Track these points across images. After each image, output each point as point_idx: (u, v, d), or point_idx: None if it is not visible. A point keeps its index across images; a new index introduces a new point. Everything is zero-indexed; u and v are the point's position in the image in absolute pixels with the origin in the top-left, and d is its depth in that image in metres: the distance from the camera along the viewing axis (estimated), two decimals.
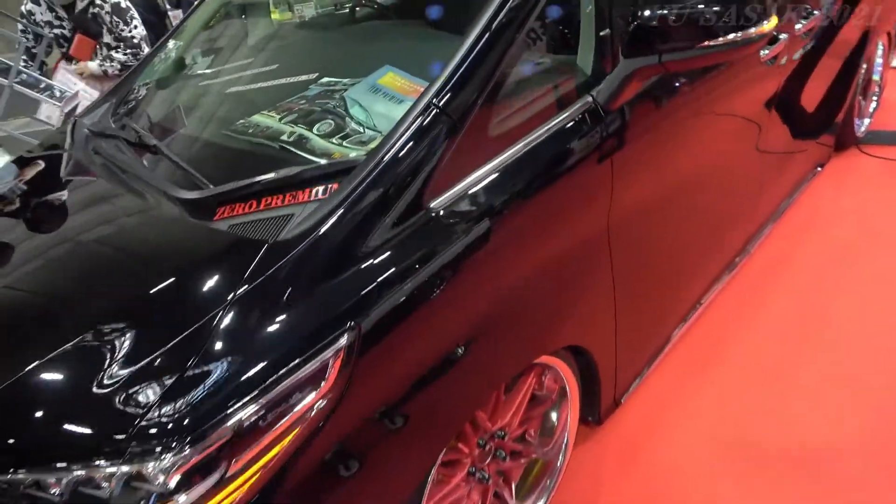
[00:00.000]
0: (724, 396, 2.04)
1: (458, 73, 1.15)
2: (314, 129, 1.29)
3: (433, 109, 1.12)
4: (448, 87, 1.13)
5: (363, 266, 1.03)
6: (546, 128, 1.30)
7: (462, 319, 1.17)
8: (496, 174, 1.21)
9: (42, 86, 2.56)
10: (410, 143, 1.09)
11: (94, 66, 3.10)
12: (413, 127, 1.10)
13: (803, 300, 2.42)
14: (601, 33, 1.38)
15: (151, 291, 1.07)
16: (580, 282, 1.49)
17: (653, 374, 2.03)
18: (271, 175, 1.17)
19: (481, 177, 1.18)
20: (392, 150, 1.08)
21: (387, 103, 1.31)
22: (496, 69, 1.19)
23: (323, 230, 1.03)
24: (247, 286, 0.99)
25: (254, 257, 1.02)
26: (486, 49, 1.18)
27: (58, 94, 2.55)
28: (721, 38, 1.31)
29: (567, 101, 1.36)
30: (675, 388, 2.08)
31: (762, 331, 2.29)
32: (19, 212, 1.60)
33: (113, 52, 3.09)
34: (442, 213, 1.12)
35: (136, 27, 3.13)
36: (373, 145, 1.19)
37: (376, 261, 1.04)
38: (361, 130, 1.26)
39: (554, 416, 1.67)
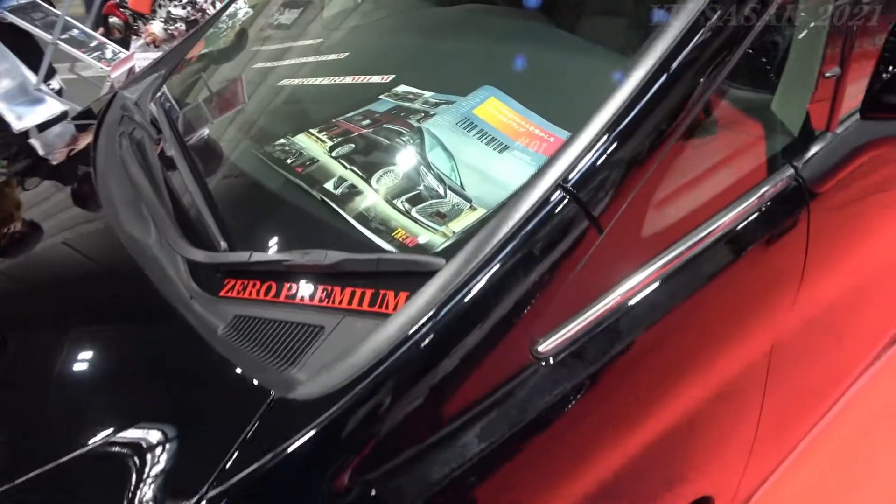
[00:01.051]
0: None
1: (611, 138, 0.70)
2: (372, 181, 0.88)
3: (561, 195, 0.68)
4: (592, 160, 0.69)
5: (424, 460, 0.63)
6: (717, 223, 0.83)
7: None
8: (640, 296, 0.76)
9: (93, 44, 2.26)
10: (518, 248, 0.66)
11: (158, 29, 2.78)
12: (525, 220, 0.67)
13: None
14: (828, 74, 0.89)
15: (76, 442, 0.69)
16: (722, 423, 1.04)
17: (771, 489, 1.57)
18: (298, 256, 0.77)
19: (617, 303, 0.74)
20: (485, 256, 0.66)
21: (483, 151, 0.88)
22: (671, 133, 0.73)
23: (358, 394, 0.62)
24: (217, 489, 0.59)
25: (244, 425, 0.62)
26: (658, 98, 0.72)
27: (109, 54, 2.24)
28: None
29: (752, 171, 0.89)
30: None
31: None
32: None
33: (171, 8, 2.75)
34: (553, 360, 0.69)
35: None
36: (455, 226, 0.77)
37: (444, 457, 0.63)
38: (440, 193, 0.84)
39: None
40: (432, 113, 1.02)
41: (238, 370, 0.70)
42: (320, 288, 0.76)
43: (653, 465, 0.91)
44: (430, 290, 0.64)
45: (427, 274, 0.68)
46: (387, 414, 0.61)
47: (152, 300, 0.88)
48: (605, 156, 0.69)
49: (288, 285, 0.79)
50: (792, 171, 0.91)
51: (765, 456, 1.34)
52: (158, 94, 1.49)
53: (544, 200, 0.67)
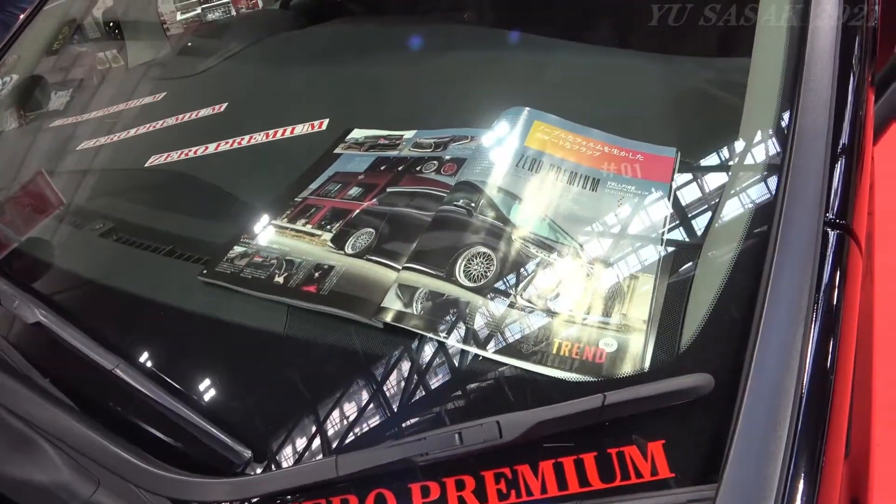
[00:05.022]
0: None
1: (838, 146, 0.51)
2: (457, 274, 0.58)
3: (833, 232, 0.47)
4: (840, 178, 0.49)
5: None
6: None
7: None
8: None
9: None
10: (829, 325, 0.44)
11: None
12: (815, 283, 0.45)
13: None
14: None
15: None
16: None
17: None
18: (439, 440, 0.46)
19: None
20: (792, 351, 0.42)
21: (573, 193, 0.64)
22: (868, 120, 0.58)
23: None
24: None
25: None
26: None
27: None
28: None
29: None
30: None
31: None
32: None
33: None
34: None
35: None
36: (635, 310, 0.52)
37: None
38: (561, 259, 0.58)
39: None
40: (447, 158, 0.75)
41: None
42: (488, 475, 0.46)
43: None
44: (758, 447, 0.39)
45: (687, 404, 0.43)
46: None
47: None
48: (846, 166, 0.50)
49: (421, 486, 0.48)
50: None
51: None
52: None
53: (817, 246, 0.46)
